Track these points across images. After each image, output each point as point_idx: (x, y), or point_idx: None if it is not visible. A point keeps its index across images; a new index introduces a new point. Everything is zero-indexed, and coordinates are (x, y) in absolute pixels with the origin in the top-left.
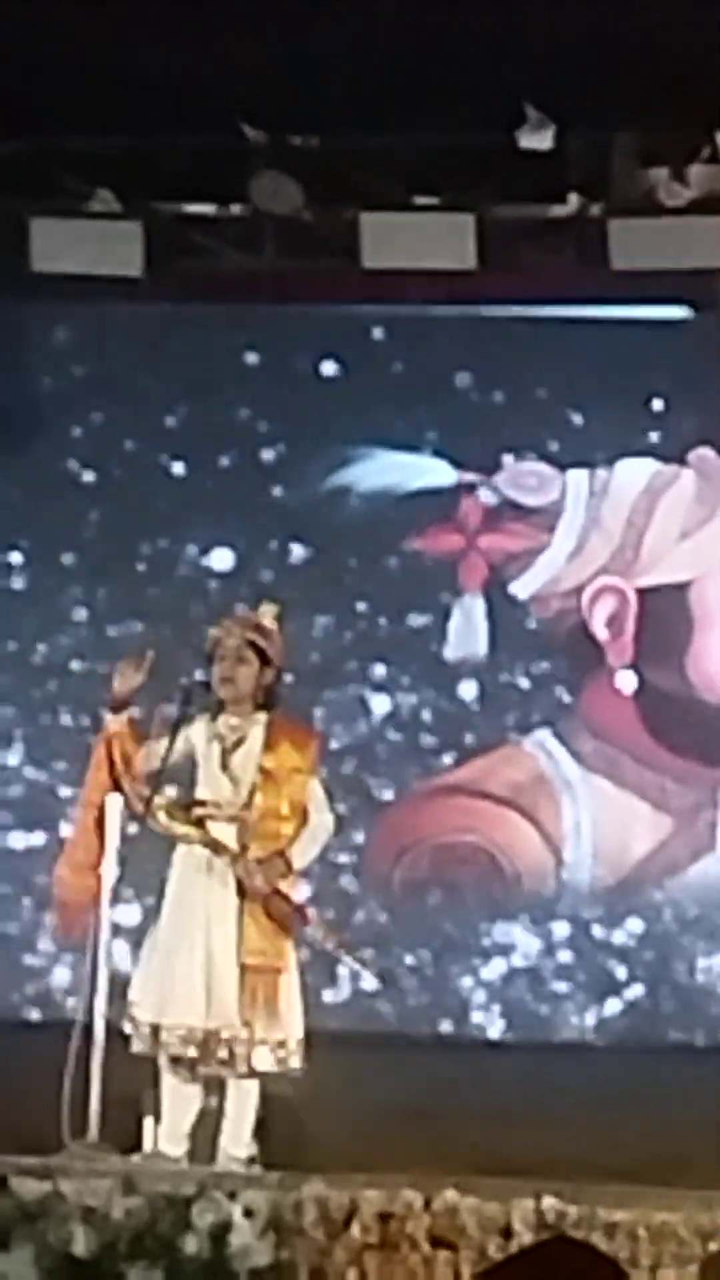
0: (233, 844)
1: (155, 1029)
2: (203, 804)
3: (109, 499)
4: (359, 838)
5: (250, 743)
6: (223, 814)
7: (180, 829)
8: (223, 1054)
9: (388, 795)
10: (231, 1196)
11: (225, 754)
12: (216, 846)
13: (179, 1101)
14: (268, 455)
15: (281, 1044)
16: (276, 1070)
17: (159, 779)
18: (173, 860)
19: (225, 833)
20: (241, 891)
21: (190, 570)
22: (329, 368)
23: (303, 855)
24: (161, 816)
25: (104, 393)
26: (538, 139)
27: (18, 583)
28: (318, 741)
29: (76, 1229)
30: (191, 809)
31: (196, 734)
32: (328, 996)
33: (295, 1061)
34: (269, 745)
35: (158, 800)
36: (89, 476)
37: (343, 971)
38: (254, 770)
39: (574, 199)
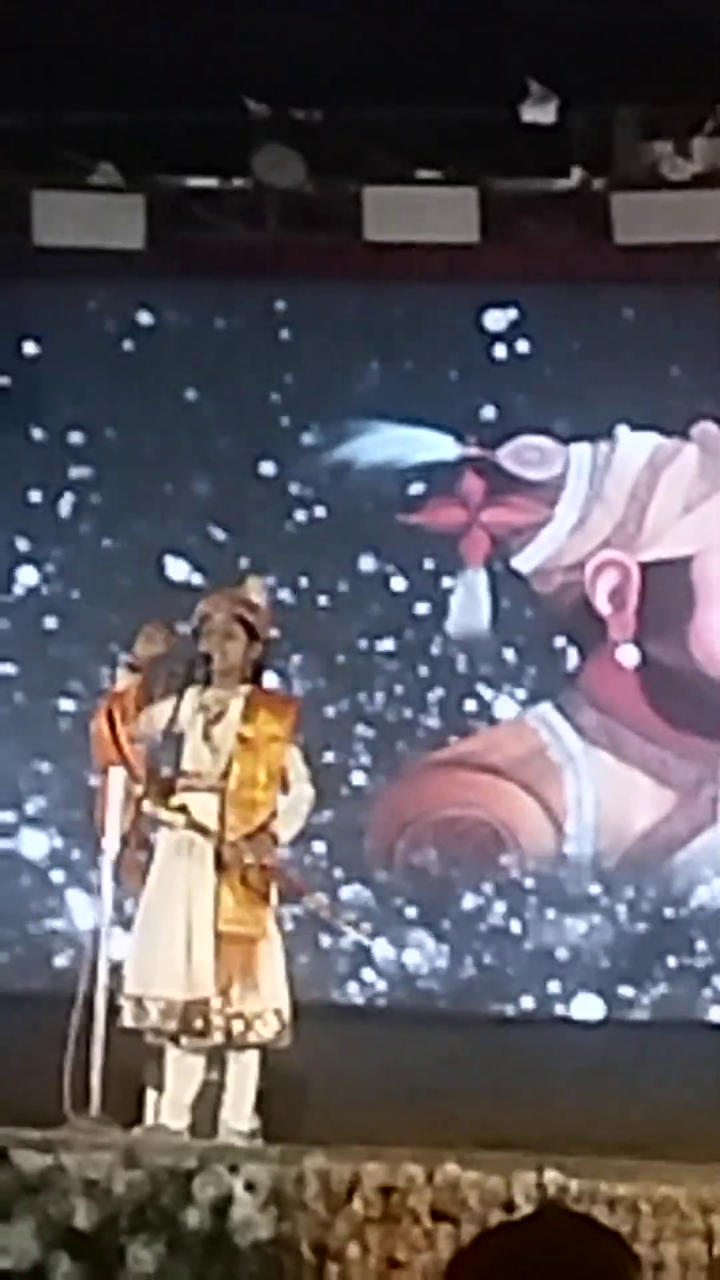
0: (213, 813)
1: (139, 1001)
2: (185, 775)
3: (105, 466)
4: (363, 813)
5: (230, 713)
6: (203, 784)
7: (165, 814)
8: (198, 1024)
9: (391, 769)
10: (233, 1170)
11: (208, 725)
12: (202, 829)
13: (182, 1073)
14: (271, 428)
15: (259, 1014)
16: (255, 1041)
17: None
18: (157, 840)
19: (207, 802)
20: (219, 865)
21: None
22: (330, 341)
23: (288, 828)
24: (146, 804)
25: (107, 366)
26: (541, 113)
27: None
28: (296, 709)
29: (78, 1202)
30: (175, 781)
31: (184, 705)
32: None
33: (272, 1032)
34: (247, 714)
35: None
36: (77, 437)
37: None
38: (233, 739)
39: (577, 173)
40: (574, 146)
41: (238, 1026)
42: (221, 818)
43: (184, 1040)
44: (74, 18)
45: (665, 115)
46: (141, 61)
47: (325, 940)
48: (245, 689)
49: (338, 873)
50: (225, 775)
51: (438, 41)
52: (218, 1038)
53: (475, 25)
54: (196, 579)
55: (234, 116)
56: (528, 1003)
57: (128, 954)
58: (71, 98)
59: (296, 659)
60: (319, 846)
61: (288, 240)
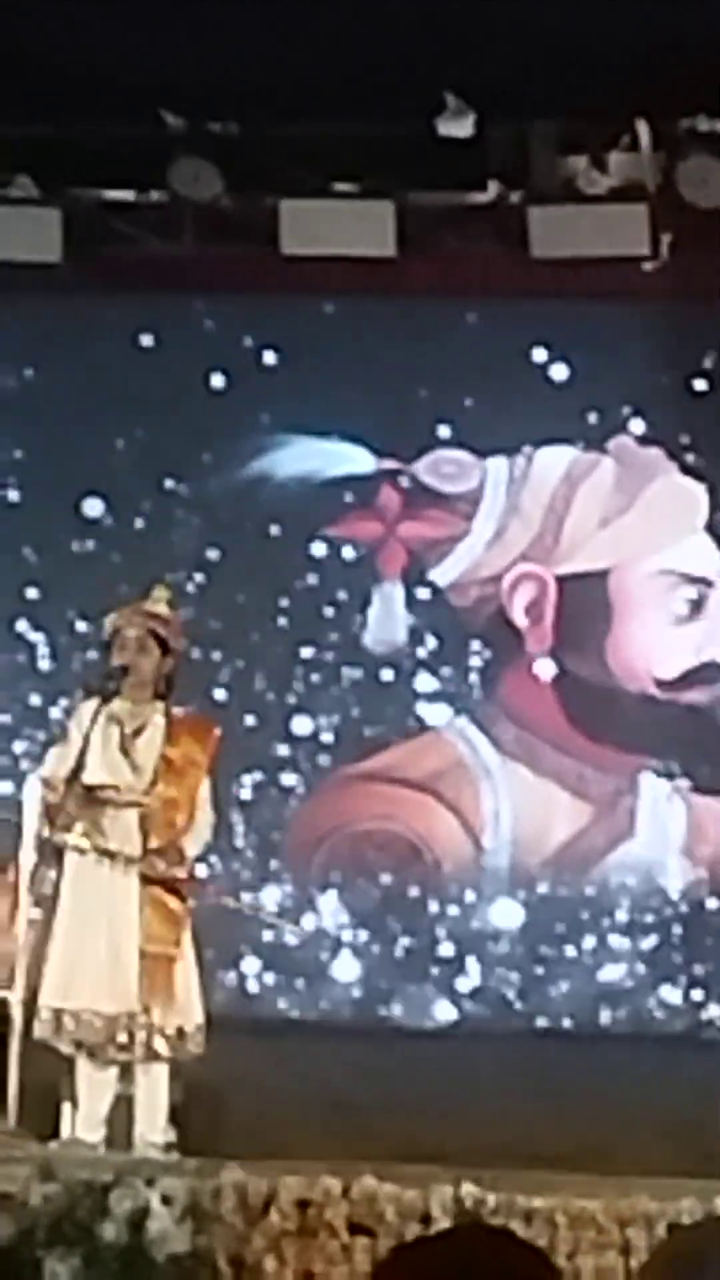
0: (133, 829)
1: (58, 1014)
2: (102, 788)
3: (31, 485)
4: (279, 824)
5: (152, 731)
6: (122, 799)
7: (74, 840)
8: (123, 1038)
9: (308, 783)
10: (150, 1183)
11: (125, 739)
12: (110, 854)
13: (95, 1087)
14: (187, 441)
15: (180, 1030)
16: (175, 1056)
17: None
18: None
19: (127, 818)
20: (142, 879)
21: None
22: (247, 354)
23: (194, 846)
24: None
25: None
26: (457, 126)
27: None
28: (216, 735)
29: None
30: (92, 794)
31: (87, 718)
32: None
33: (194, 1047)
34: (171, 737)
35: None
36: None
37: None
38: (156, 759)
39: (494, 186)
40: (490, 160)
41: (159, 1042)
42: (144, 833)
43: (110, 1053)
44: None
45: (581, 129)
46: (59, 74)
47: (244, 955)
48: (160, 705)
49: (257, 885)
50: (147, 793)
51: (355, 56)
52: (139, 1052)
53: (392, 40)
54: None
55: (151, 130)
56: (445, 1016)
57: (46, 968)
58: None
59: (215, 672)
60: (236, 860)
61: (205, 253)
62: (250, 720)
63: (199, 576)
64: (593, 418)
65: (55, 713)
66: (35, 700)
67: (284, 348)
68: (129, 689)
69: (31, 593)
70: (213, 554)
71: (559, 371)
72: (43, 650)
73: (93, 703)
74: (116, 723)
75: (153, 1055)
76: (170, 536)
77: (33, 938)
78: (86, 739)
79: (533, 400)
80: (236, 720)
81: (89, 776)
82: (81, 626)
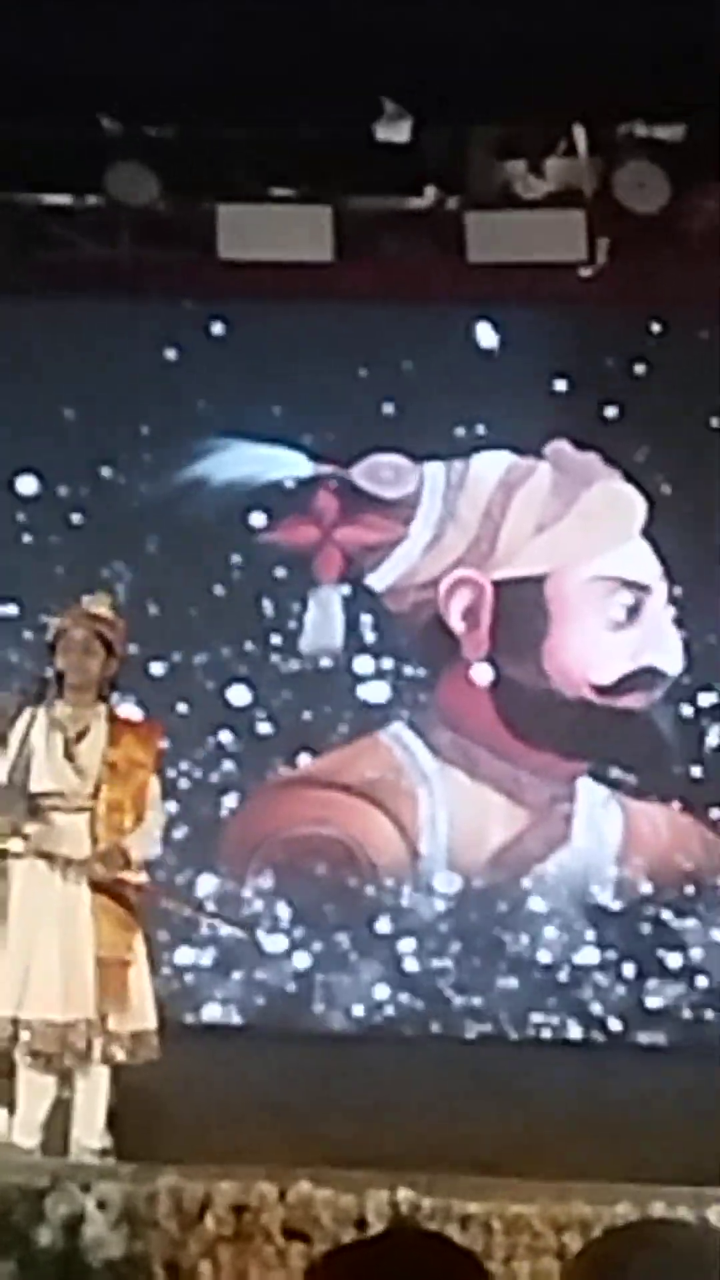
0: (82, 834)
1: (14, 1023)
2: (47, 795)
3: None
4: (214, 830)
5: (95, 734)
6: (69, 805)
7: (14, 846)
8: (80, 1045)
9: (244, 787)
10: (85, 1188)
11: (69, 744)
12: (51, 857)
13: (34, 1092)
14: (124, 443)
15: (135, 1035)
16: (131, 1061)
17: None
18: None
19: (75, 823)
20: (93, 885)
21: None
22: (184, 358)
23: (139, 848)
24: None
25: None
26: (394, 131)
27: None
28: (160, 735)
29: None
30: (36, 800)
31: (33, 725)
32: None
33: (149, 1053)
34: (113, 739)
35: None
36: None
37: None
38: (99, 762)
39: (431, 191)
40: (427, 165)
41: (115, 1048)
42: (94, 838)
43: (66, 1061)
44: None
45: (519, 135)
46: None
47: (180, 957)
48: (102, 708)
49: (194, 889)
50: (93, 797)
51: (292, 60)
52: (97, 1059)
53: (330, 44)
54: None
55: (88, 133)
56: (381, 1020)
57: None
58: None
59: (149, 675)
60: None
61: (142, 258)
62: (182, 724)
63: (132, 578)
64: (529, 422)
65: None
66: None
67: (220, 352)
68: (71, 692)
69: None
70: (150, 558)
71: (497, 377)
72: None
73: (38, 710)
74: (59, 728)
75: (110, 1062)
76: (105, 538)
77: None
78: (26, 746)
79: (469, 405)
80: (168, 726)
81: (34, 784)
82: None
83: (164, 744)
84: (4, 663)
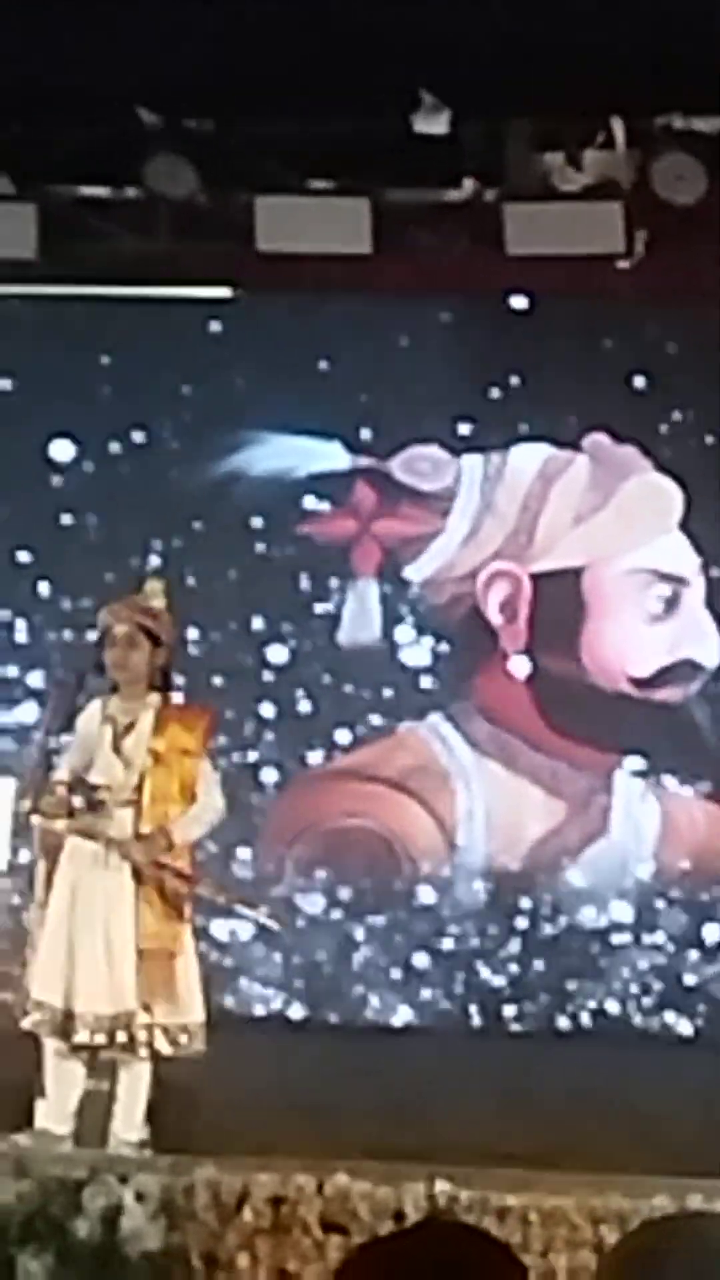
0: (128, 828)
1: (68, 1015)
2: (96, 788)
3: None
4: (254, 822)
5: (141, 725)
6: (116, 797)
7: (53, 822)
8: (124, 1038)
9: (281, 779)
10: (123, 1180)
11: (117, 737)
12: (91, 834)
13: (62, 1078)
14: (163, 439)
15: (183, 1028)
16: (177, 1054)
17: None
18: (63, 848)
19: (121, 817)
20: (136, 876)
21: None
22: (222, 351)
23: (184, 831)
24: (34, 819)
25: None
26: (433, 124)
27: None
28: (209, 721)
29: None
30: (80, 804)
31: (89, 718)
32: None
33: (197, 1045)
34: (158, 727)
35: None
36: None
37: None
38: (145, 752)
39: (469, 184)
40: (466, 158)
41: (161, 1040)
42: (137, 829)
43: (104, 1055)
44: None
45: (557, 127)
46: (34, 71)
47: (216, 950)
48: (154, 699)
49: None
50: (138, 789)
51: (330, 52)
52: (143, 1052)
53: (368, 36)
54: None
55: (126, 126)
56: (419, 1013)
57: (37, 964)
58: None
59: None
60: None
61: (180, 250)
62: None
63: (167, 571)
64: (567, 414)
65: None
66: None
67: (258, 344)
68: (121, 686)
69: None
70: (187, 553)
71: (534, 369)
72: None
73: (97, 702)
74: (110, 721)
75: (155, 1054)
76: (142, 530)
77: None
78: (82, 738)
79: (507, 397)
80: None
81: (90, 777)
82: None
83: (210, 718)
84: (44, 640)
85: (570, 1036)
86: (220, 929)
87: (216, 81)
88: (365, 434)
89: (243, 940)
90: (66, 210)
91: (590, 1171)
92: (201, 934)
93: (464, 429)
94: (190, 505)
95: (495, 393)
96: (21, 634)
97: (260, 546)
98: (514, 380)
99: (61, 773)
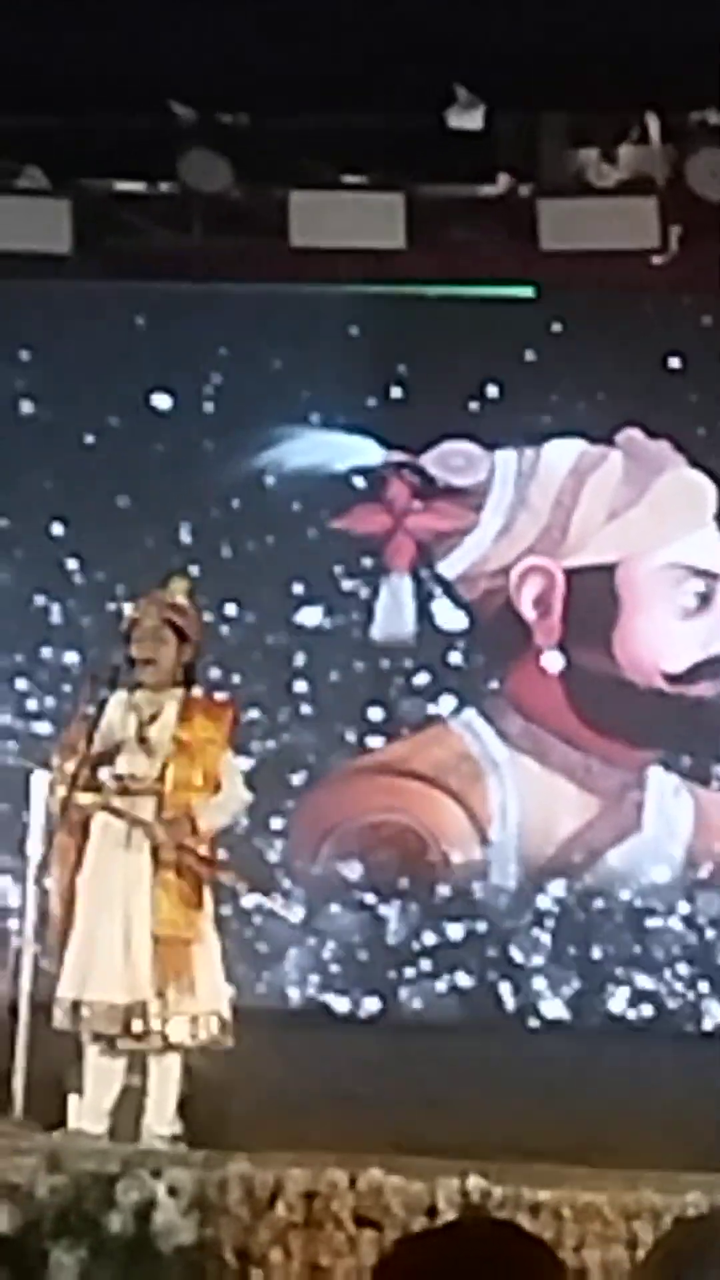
0: (150, 817)
1: (76, 1005)
2: (119, 778)
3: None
4: (283, 817)
5: (165, 716)
6: (140, 787)
7: (83, 798)
8: (138, 1028)
9: (314, 775)
10: (156, 1174)
11: (142, 727)
12: (119, 812)
13: (101, 1078)
14: (193, 433)
15: (199, 1018)
16: (192, 1044)
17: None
18: (90, 832)
19: (144, 806)
20: (155, 861)
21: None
22: (256, 344)
23: (209, 818)
24: (60, 790)
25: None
26: (467, 119)
27: None
28: (232, 713)
29: (1, 1207)
30: (108, 782)
31: (113, 709)
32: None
33: (215, 1034)
34: (184, 717)
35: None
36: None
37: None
38: (168, 742)
39: (503, 179)
40: (500, 153)
41: (175, 1029)
42: (160, 817)
43: (127, 1043)
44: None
45: (591, 122)
46: (68, 65)
47: (259, 945)
48: (179, 692)
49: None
50: (161, 778)
51: (365, 47)
52: (155, 1041)
53: (402, 32)
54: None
55: (161, 121)
56: (452, 1008)
57: (65, 955)
58: None
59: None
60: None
61: (214, 245)
62: (255, 713)
63: (199, 569)
64: (601, 409)
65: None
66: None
67: (293, 339)
68: (146, 679)
69: None
70: (222, 547)
71: (568, 364)
72: None
73: (121, 694)
74: (135, 711)
75: (168, 1043)
76: (175, 524)
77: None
78: (107, 730)
79: (541, 393)
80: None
81: (114, 767)
82: None
83: (234, 711)
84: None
85: (603, 1032)
86: (251, 920)
87: (251, 76)
88: (398, 429)
89: (274, 932)
90: (101, 205)
91: (623, 1167)
92: (238, 924)
93: (497, 423)
94: (222, 500)
95: (530, 388)
96: (56, 616)
97: (292, 541)
98: (545, 375)
99: (89, 752)
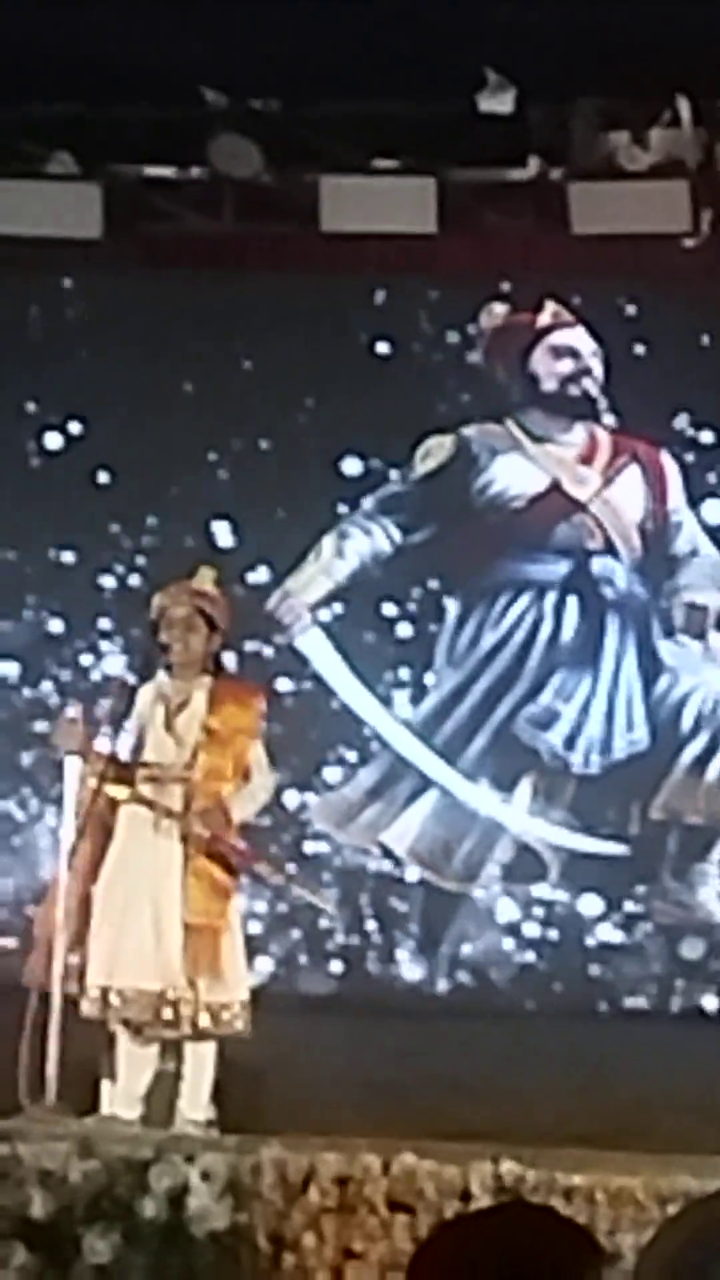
0: (179, 805)
1: (104, 992)
2: (148, 766)
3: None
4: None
5: (194, 704)
6: (168, 775)
7: (112, 789)
8: (168, 1015)
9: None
10: (189, 1160)
11: (170, 715)
12: (150, 803)
13: (134, 1064)
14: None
15: (225, 1006)
16: (220, 1032)
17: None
18: (118, 820)
19: (172, 794)
20: (185, 850)
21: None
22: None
23: (241, 808)
24: (91, 781)
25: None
26: (498, 103)
27: None
28: (261, 699)
29: (34, 1192)
30: (137, 771)
31: (143, 698)
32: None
33: (240, 1024)
34: (213, 705)
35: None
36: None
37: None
38: (198, 730)
39: (534, 163)
40: (531, 137)
41: (204, 1018)
42: (188, 809)
43: (157, 1030)
44: (30, 8)
45: (623, 106)
46: (99, 51)
47: (292, 932)
48: (207, 680)
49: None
50: (190, 766)
51: (395, 32)
52: (186, 1029)
53: (433, 15)
54: None
55: (191, 107)
56: (484, 993)
57: (91, 943)
58: (29, 88)
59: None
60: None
61: (245, 230)
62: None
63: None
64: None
65: None
66: None
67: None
68: (176, 668)
69: None
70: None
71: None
72: None
73: (150, 684)
74: (163, 700)
75: (197, 1031)
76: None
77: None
78: (139, 720)
79: None
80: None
81: (141, 756)
82: None
83: (262, 698)
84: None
85: (637, 1015)
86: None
87: (281, 61)
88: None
89: (310, 919)
90: (131, 190)
91: (657, 1151)
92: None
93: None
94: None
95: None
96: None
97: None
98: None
99: (118, 747)
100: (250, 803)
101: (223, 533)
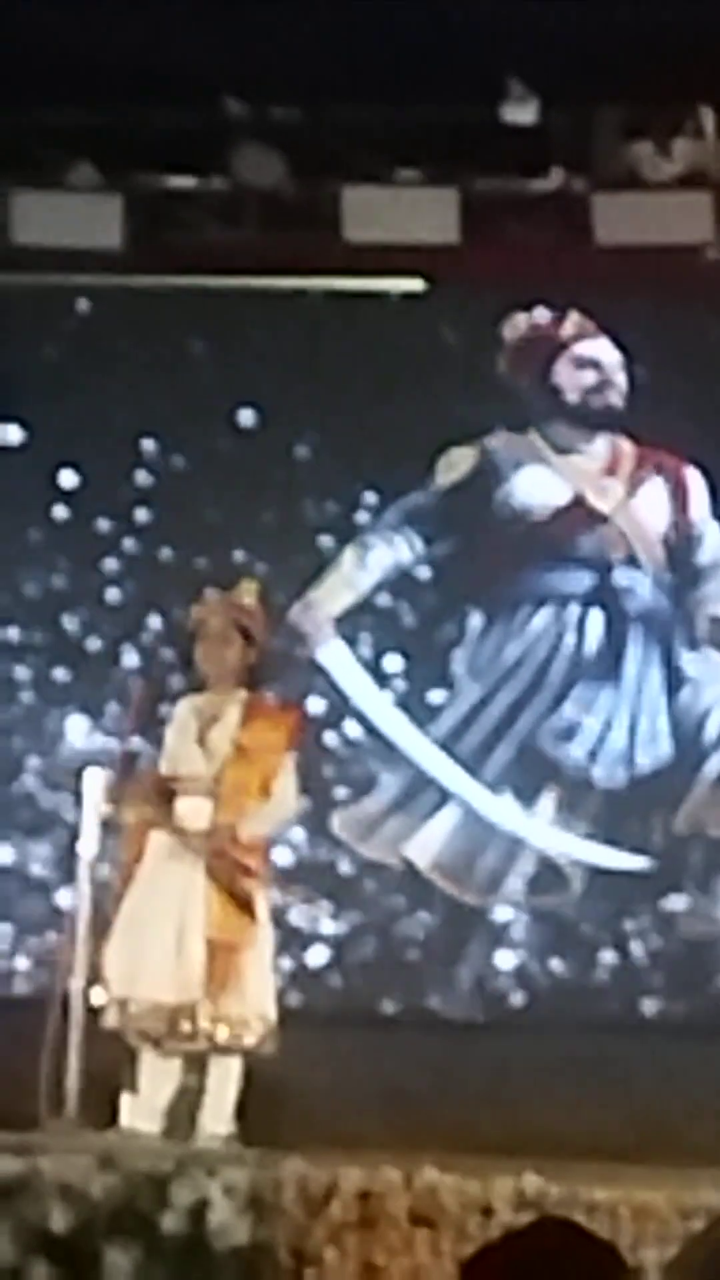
0: (206, 817)
1: (124, 1004)
2: (177, 779)
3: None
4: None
5: (227, 718)
6: (196, 788)
7: (131, 813)
8: (185, 1028)
9: None
10: (210, 1174)
11: (203, 729)
12: (173, 828)
13: (156, 1077)
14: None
15: (245, 1022)
16: (238, 1047)
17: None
18: (149, 837)
19: (199, 806)
20: (210, 870)
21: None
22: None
23: (251, 827)
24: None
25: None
26: (521, 113)
27: None
28: (296, 718)
29: (54, 1206)
30: (165, 784)
31: (179, 712)
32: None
33: (255, 1040)
34: (245, 721)
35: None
36: None
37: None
38: (228, 744)
39: (557, 173)
40: (554, 147)
41: (223, 1032)
42: (213, 821)
43: (168, 1044)
44: (51, 16)
45: (646, 116)
46: (120, 60)
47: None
48: (243, 694)
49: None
50: (218, 780)
51: (418, 41)
52: (203, 1043)
53: (456, 24)
54: None
55: (213, 116)
56: (505, 1007)
57: (112, 956)
58: (49, 97)
59: None
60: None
61: (266, 240)
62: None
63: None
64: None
65: None
66: None
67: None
68: (211, 680)
69: None
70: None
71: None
72: None
73: (186, 700)
74: (196, 713)
75: (215, 1046)
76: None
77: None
78: (176, 733)
79: None
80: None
81: (164, 768)
82: None
83: (298, 717)
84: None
85: (660, 1029)
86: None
87: (304, 70)
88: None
89: (331, 934)
90: (153, 201)
91: (681, 1165)
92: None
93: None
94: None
95: None
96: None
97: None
98: None
99: (157, 766)
100: (264, 822)
101: None
